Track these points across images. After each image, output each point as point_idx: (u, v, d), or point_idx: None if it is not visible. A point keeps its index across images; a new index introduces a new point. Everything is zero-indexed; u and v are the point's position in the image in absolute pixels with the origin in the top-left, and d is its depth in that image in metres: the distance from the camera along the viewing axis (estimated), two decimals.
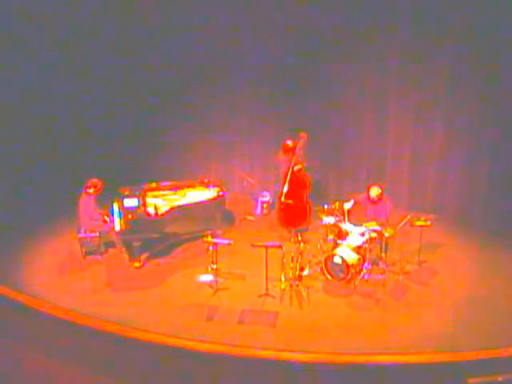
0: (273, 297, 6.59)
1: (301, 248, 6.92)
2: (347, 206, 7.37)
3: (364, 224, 7.14)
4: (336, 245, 7.16)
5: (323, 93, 9.29)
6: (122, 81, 10.14)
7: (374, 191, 7.30)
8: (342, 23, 8.87)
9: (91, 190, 7.55)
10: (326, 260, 6.89)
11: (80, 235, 7.58)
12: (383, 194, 7.34)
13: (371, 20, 8.68)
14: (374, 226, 7.05)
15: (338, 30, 8.93)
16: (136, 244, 7.32)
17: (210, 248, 6.89)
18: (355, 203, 7.46)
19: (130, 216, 7.28)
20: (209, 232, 7.15)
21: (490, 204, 8.67)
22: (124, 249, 7.57)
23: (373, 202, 7.35)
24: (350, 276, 6.72)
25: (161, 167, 10.39)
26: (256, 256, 6.84)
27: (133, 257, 7.42)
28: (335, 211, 7.47)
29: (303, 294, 6.64)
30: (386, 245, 7.18)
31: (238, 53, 9.65)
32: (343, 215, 7.33)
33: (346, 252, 6.78)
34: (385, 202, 7.35)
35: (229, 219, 9.01)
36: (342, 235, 7.22)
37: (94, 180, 7.61)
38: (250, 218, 9.17)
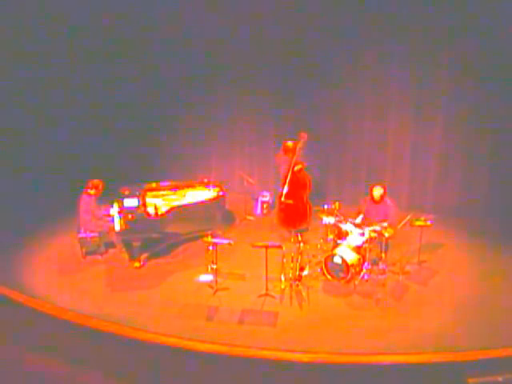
0: (273, 297, 6.60)
1: (301, 248, 6.92)
2: (357, 220, 7.36)
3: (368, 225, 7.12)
4: (336, 245, 7.16)
5: (323, 93, 9.31)
6: (123, 81, 10.14)
7: (377, 191, 7.33)
8: (343, 23, 8.88)
9: (92, 191, 7.57)
10: (325, 260, 6.89)
11: (80, 235, 7.59)
12: (386, 193, 7.36)
13: (371, 20, 8.69)
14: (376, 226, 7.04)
15: (338, 30, 8.94)
16: (136, 244, 7.32)
17: (210, 248, 6.89)
18: (363, 214, 7.46)
19: (130, 216, 7.28)
20: (209, 232, 7.15)
21: (490, 204, 8.68)
22: (124, 249, 7.57)
23: (375, 202, 7.36)
24: (349, 276, 6.73)
25: (161, 167, 10.40)
26: (256, 256, 6.84)
27: (133, 257, 7.42)
28: (335, 211, 7.47)
29: (303, 294, 6.64)
30: (386, 245, 7.18)
31: (239, 53, 9.65)
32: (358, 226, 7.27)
33: (346, 252, 6.78)
34: (387, 202, 7.36)
35: (229, 219, 9.01)
36: (341, 235, 7.22)
37: (96, 181, 7.61)
38: (250, 218, 9.17)
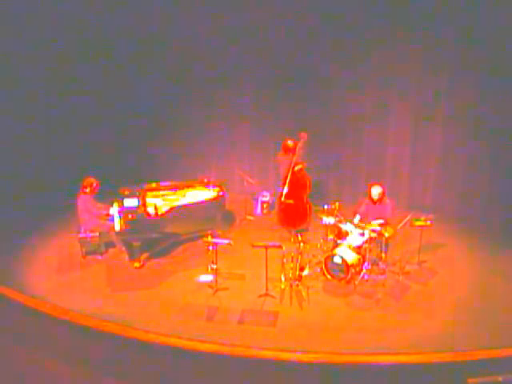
0: (273, 297, 6.60)
1: (301, 248, 6.92)
2: (355, 220, 7.33)
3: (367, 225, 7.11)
4: (336, 245, 7.16)
5: (323, 93, 9.31)
6: (123, 81, 10.14)
7: (376, 190, 7.31)
8: (343, 24, 8.89)
9: (87, 190, 7.58)
10: (325, 260, 6.89)
11: (80, 235, 7.59)
12: (384, 193, 7.35)
13: (371, 21, 8.69)
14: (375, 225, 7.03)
15: (338, 30, 8.95)
16: (136, 244, 7.32)
17: (210, 248, 6.89)
18: (361, 214, 7.44)
19: (129, 216, 7.28)
20: (209, 232, 7.15)
21: (490, 204, 8.67)
22: (124, 249, 7.57)
23: (374, 201, 7.35)
24: (349, 276, 6.73)
25: (161, 167, 10.40)
26: (256, 256, 6.85)
27: (133, 257, 7.41)
28: (335, 211, 7.47)
29: (303, 293, 6.64)
30: (386, 245, 7.18)
31: (239, 53, 9.66)
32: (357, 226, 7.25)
33: (345, 252, 6.78)
34: (386, 202, 7.35)
35: (229, 219, 9.01)
36: (341, 235, 7.22)
37: (89, 179, 7.64)
38: (250, 218, 9.17)
